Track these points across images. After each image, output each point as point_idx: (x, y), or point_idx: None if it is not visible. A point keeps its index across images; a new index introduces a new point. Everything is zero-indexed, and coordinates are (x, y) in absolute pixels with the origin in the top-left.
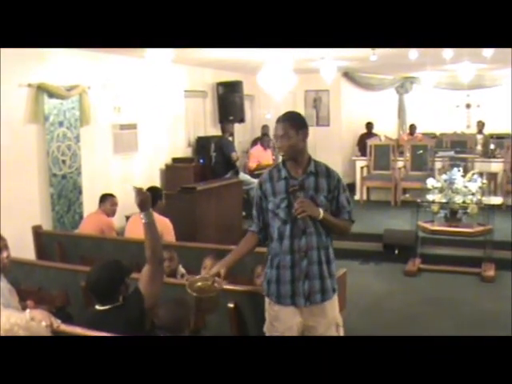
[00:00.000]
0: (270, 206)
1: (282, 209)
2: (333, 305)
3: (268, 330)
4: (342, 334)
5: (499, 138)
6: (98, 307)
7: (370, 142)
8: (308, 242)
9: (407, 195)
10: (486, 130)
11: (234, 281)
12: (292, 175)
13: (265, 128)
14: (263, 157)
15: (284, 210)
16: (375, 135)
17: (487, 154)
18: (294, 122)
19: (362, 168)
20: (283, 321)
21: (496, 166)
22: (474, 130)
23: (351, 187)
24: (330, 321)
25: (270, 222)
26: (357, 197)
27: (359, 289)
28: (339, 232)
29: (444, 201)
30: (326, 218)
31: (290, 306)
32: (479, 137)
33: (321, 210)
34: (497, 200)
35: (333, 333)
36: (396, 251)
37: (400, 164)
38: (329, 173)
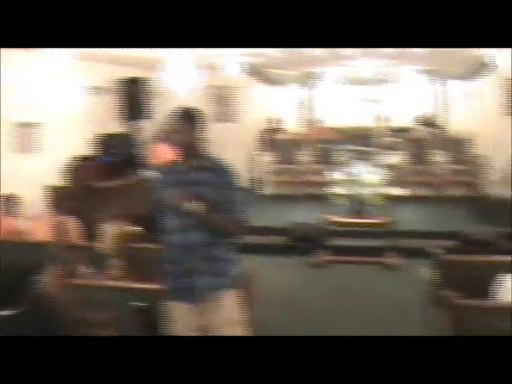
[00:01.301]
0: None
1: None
2: (227, 302)
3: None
4: (241, 333)
5: (401, 131)
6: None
7: (275, 136)
8: (190, 237)
9: (312, 188)
10: (389, 124)
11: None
12: (181, 169)
13: (166, 124)
14: (167, 153)
15: None
16: (280, 130)
17: (390, 147)
18: (186, 118)
19: (267, 163)
20: (178, 318)
21: (398, 159)
22: (377, 123)
23: (256, 182)
24: (225, 319)
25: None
26: (263, 191)
27: (266, 284)
28: (222, 229)
29: (348, 193)
30: (198, 213)
31: (180, 302)
32: (382, 130)
33: (194, 204)
34: (400, 191)
35: (230, 331)
36: (302, 244)
37: (306, 158)
38: (220, 167)
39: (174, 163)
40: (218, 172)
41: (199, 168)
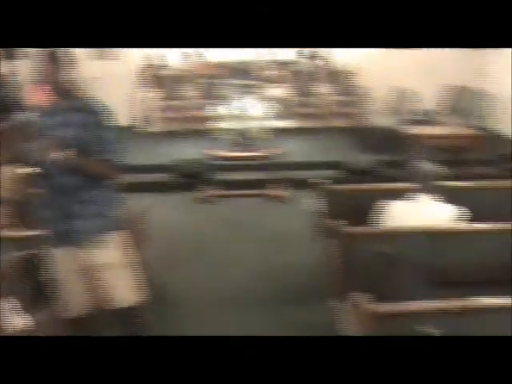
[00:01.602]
0: None
1: None
2: (111, 244)
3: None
4: (128, 274)
5: (284, 63)
6: None
7: (158, 72)
8: (64, 181)
9: (197, 124)
10: (272, 57)
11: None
12: (50, 112)
13: (37, 65)
14: (39, 95)
15: None
16: (163, 66)
17: (273, 80)
18: (53, 57)
19: (150, 100)
20: (59, 264)
21: (282, 91)
22: (260, 57)
23: (139, 120)
24: (110, 261)
25: None
26: (146, 129)
27: (153, 222)
28: (91, 174)
29: (233, 127)
30: (68, 159)
31: (61, 247)
32: (265, 64)
33: (63, 151)
34: (284, 123)
35: (116, 273)
36: (188, 180)
37: (189, 93)
38: (90, 107)
39: (44, 106)
40: (88, 112)
41: (68, 109)
